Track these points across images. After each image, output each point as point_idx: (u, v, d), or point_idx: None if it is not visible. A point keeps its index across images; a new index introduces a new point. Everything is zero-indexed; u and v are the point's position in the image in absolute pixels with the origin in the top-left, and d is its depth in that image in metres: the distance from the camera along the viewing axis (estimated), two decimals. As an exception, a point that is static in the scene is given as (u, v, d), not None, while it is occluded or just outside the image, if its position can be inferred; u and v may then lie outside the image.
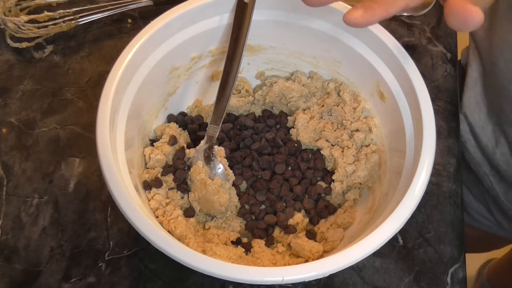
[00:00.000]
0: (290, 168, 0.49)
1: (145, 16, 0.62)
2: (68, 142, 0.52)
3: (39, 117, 0.53)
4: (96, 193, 0.49)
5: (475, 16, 0.30)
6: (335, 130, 0.50)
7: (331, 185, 0.48)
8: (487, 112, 0.59)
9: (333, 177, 0.48)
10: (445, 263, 0.47)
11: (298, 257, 0.43)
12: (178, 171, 0.46)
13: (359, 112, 0.49)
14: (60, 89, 0.55)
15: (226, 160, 0.46)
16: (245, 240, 0.45)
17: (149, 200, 0.43)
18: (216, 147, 0.45)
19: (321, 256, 0.42)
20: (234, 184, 0.46)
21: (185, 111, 0.52)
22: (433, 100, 0.41)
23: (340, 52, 0.48)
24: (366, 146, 0.48)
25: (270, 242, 0.46)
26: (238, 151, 0.49)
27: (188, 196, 0.45)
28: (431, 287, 0.46)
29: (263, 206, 0.48)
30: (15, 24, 0.56)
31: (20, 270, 0.44)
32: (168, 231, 0.41)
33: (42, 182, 0.49)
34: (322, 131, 0.50)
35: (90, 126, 0.52)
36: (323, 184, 0.49)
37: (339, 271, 0.34)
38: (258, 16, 0.46)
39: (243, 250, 0.43)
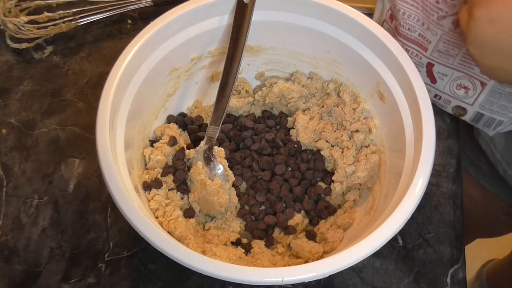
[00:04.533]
0: (290, 168, 0.49)
1: (145, 17, 0.62)
2: (67, 143, 0.52)
3: (39, 117, 0.53)
4: (95, 193, 0.49)
5: None
6: (335, 131, 0.50)
7: (331, 186, 0.48)
8: None
9: (333, 177, 0.48)
10: (445, 263, 0.47)
11: (298, 257, 0.43)
12: (178, 172, 0.46)
13: (358, 112, 0.49)
14: (59, 90, 0.55)
15: (226, 161, 0.46)
16: (245, 240, 0.45)
17: (149, 201, 0.43)
18: (216, 147, 0.45)
19: (321, 257, 0.42)
20: (234, 185, 0.46)
21: (185, 112, 0.52)
22: (433, 100, 0.42)
23: (340, 53, 0.48)
24: (366, 146, 0.48)
25: (270, 243, 0.45)
26: (238, 152, 0.49)
27: (188, 197, 0.45)
28: (431, 287, 0.46)
29: (263, 207, 0.48)
30: (15, 25, 0.56)
31: (19, 270, 0.44)
32: (168, 232, 0.41)
33: (41, 183, 0.49)
34: (322, 131, 0.50)
35: (90, 127, 0.52)
36: (323, 184, 0.49)
37: (339, 272, 0.34)
38: (258, 16, 0.46)
39: (243, 250, 0.43)
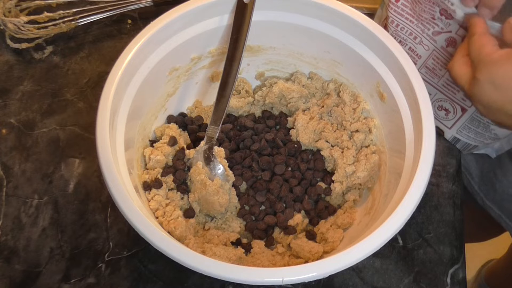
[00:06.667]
0: (290, 168, 0.49)
1: (145, 17, 0.62)
2: (67, 143, 0.52)
3: (39, 117, 0.53)
4: (95, 193, 0.49)
5: None
6: (335, 131, 0.50)
7: (331, 186, 0.48)
8: None
9: (333, 177, 0.48)
10: (445, 263, 0.47)
11: (298, 257, 0.43)
12: (178, 172, 0.46)
13: (359, 112, 0.49)
14: (60, 90, 0.55)
15: (226, 161, 0.46)
16: (245, 240, 0.45)
17: (149, 201, 0.43)
18: (216, 147, 0.45)
19: (321, 257, 0.42)
20: (234, 185, 0.46)
21: (185, 112, 0.52)
22: (433, 100, 0.42)
23: (340, 53, 0.48)
24: (366, 146, 0.48)
25: (270, 243, 0.45)
26: (238, 152, 0.49)
27: (188, 197, 0.45)
28: (431, 287, 0.46)
29: (263, 207, 0.48)
30: (15, 25, 0.56)
31: (20, 270, 0.44)
32: (168, 232, 0.41)
33: (41, 183, 0.49)
34: (322, 131, 0.50)
35: (90, 127, 0.53)
36: (323, 184, 0.49)
37: (339, 272, 0.34)
38: (258, 17, 0.46)
39: (243, 250, 0.43)
